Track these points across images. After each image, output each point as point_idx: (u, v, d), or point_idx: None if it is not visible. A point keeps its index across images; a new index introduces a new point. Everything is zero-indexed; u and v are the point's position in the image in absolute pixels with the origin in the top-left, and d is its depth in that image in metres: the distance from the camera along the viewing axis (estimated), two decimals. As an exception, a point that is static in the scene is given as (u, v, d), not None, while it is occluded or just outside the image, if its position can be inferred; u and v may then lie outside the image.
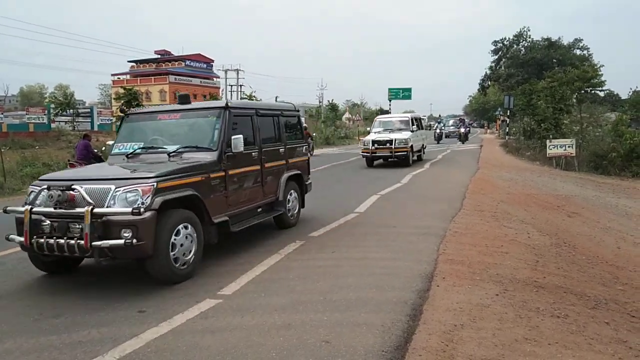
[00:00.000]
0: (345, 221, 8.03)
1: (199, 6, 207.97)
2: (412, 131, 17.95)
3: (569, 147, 20.38)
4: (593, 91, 28.02)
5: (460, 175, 14.65)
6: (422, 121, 21.78)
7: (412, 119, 18.80)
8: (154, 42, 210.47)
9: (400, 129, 18.16)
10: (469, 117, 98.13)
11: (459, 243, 6.55)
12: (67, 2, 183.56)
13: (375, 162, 18.25)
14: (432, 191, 11.59)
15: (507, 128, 41.14)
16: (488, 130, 62.44)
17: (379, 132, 18.30)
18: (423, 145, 20.39)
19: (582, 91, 25.59)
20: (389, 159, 17.72)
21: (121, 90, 22.85)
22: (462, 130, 35.81)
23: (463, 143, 33.73)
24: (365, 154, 17.94)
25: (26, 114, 43.02)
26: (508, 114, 41.04)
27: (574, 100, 25.96)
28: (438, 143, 35.57)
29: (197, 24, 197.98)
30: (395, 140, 17.18)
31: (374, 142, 17.57)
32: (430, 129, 41.98)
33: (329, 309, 4.24)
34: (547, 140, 21.45)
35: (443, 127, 40.53)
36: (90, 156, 14.72)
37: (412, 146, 17.52)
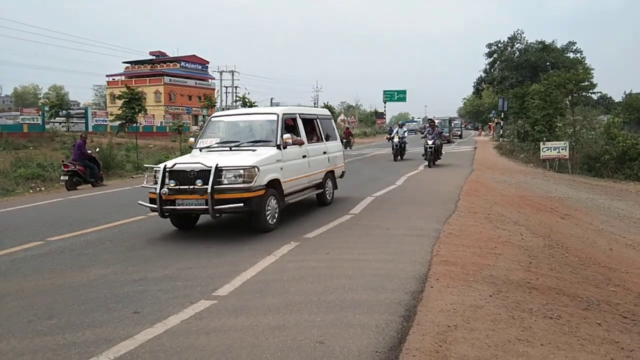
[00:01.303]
0: (339, 223, 8.05)
1: (194, 8, 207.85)
2: (282, 147, 8.01)
3: (562, 149, 20.53)
4: (586, 94, 28.22)
5: (454, 177, 14.71)
6: (329, 124, 10.66)
7: (283, 120, 8.45)
8: (149, 44, 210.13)
9: (253, 143, 8.22)
10: (464, 118, 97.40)
11: (453, 245, 6.58)
12: (60, 2, 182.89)
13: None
14: (426, 193, 11.62)
15: (501, 130, 41.35)
16: (482, 133, 62.67)
17: (207, 147, 8.43)
18: (332, 173, 10.14)
19: (575, 94, 25.77)
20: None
21: (121, 90, 22.52)
22: (430, 142, 18.61)
23: (431, 165, 18.53)
24: (152, 205, 7.32)
25: (20, 115, 42.87)
26: (502, 116, 41.23)
27: (567, 103, 26.14)
28: (397, 160, 21.69)
29: (192, 26, 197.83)
30: (221, 171, 6.97)
31: (169, 174, 7.18)
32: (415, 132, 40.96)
33: (323, 310, 4.26)
34: (541, 143, 21.61)
35: (404, 135, 22.89)
36: (84, 157, 14.73)
37: (275, 181, 7.67)
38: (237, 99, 46.69)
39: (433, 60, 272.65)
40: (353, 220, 8.35)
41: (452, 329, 3.93)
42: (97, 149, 17.63)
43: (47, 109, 44.17)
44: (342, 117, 72.20)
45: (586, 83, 26.14)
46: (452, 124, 50.32)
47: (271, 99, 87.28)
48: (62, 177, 14.75)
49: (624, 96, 39.32)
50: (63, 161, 15.52)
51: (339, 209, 9.18)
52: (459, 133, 51.25)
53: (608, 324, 4.43)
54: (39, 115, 42.55)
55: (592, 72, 28.17)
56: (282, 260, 5.89)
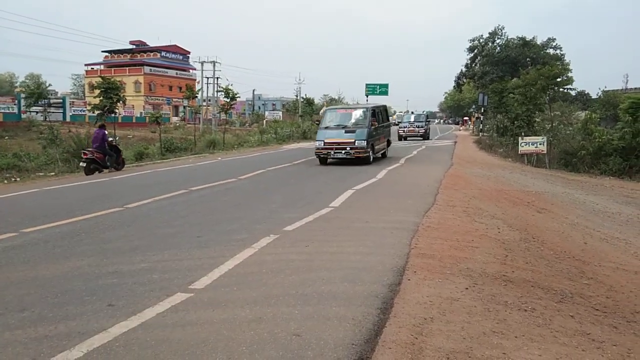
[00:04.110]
0: (319, 215, 8.04)
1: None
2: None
3: (540, 144, 20.79)
4: (562, 89, 28.51)
5: (434, 171, 14.81)
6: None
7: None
8: (129, 32, 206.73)
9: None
10: (445, 113, 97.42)
11: (431, 238, 6.63)
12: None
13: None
14: (406, 186, 11.68)
15: (481, 125, 41.72)
16: (462, 127, 63.14)
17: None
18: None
19: (550, 89, 26.01)
20: None
21: (96, 81, 22.18)
22: None
23: None
24: None
25: (-5, 104, 41.76)
26: (482, 111, 41.59)
27: (546, 99, 26.43)
28: None
29: (174, 15, 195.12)
30: None
31: None
32: None
33: (301, 303, 4.25)
34: (519, 138, 21.86)
35: None
36: (105, 145, 15.92)
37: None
38: (220, 89, 46.26)
39: (416, 54, 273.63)
40: (333, 213, 8.35)
41: (428, 321, 3.96)
42: (117, 137, 18.53)
43: (23, 96, 43.17)
44: (324, 109, 72.09)
45: (562, 78, 26.39)
46: (408, 120, 38.06)
47: (253, 91, 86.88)
48: (81, 164, 16.00)
49: (599, 92, 40.00)
50: (83, 149, 16.97)
51: (318, 202, 9.17)
52: (420, 132, 35.82)
53: (580, 316, 4.51)
54: (15, 104, 41.59)
55: (569, 67, 28.53)
56: (261, 253, 5.87)
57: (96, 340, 3.57)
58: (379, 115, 18.74)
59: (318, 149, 16.96)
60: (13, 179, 15.04)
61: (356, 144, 16.31)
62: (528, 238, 7.36)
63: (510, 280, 5.18)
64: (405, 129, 36.34)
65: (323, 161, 17.15)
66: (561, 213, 10.08)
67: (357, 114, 17.64)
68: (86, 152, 15.87)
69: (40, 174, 16.19)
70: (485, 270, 5.42)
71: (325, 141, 16.72)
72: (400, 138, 35.06)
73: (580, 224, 9.25)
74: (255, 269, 5.23)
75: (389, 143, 20.63)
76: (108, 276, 5.07)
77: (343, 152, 16.46)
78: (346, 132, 16.68)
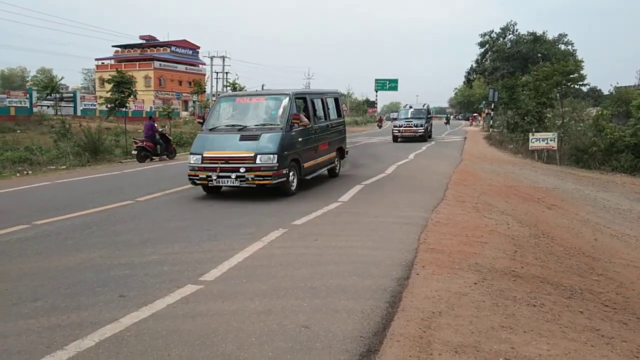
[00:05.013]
0: (328, 210, 8.06)
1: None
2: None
3: (550, 140, 20.65)
4: (574, 85, 28.21)
5: (443, 167, 14.77)
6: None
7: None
8: (140, 27, 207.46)
9: None
10: (455, 108, 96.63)
11: (440, 233, 6.62)
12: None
13: None
14: (415, 182, 11.67)
15: (491, 121, 41.48)
16: (473, 123, 62.77)
17: None
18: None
19: (563, 85, 25.76)
20: None
21: (110, 74, 22.18)
22: None
23: None
24: None
25: (7, 98, 42.09)
26: (492, 107, 41.34)
27: (557, 95, 26.21)
28: None
29: (184, 10, 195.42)
30: None
31: None
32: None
33: (310, 296, 4.28)
34: (530, 134, 21.71)
35: None
36: (155, 135, 17.35)
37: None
38: (228, 84, 46.36)
39: (426, 50, 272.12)
40: (342, 207, 8.36)
41: (436, 315, 3.97)
42: (166, 126, 19.75)
43: (35, 89, 43.51)
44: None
45: (575, 75, 26.16)
46: (404, 117, 28.99)
47: (262, 86, 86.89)
48: (133, 152, 17.70)
49: (611, 89, 39.58)
50: (134, 138, 18.71)
51: (327, 196, 9.19)
52: (419, 133, 27.61)
53: (590, 312, 4.49)
54: (27, 98, 41.91)
55: (582, 64, 28.22)
56: (270, 247, 5.90)
57: (108, 330, 3.63)
58: (315, 107, 11.24)
59: (192, 169, 9.47)
60: (25, 172, 15.17)
61: (258, 160, 8.93)
62: (538, 234, 7.34)
63: (519, 276, 5.17)
64: (401, 128, 28.18)
65: (207, 189, 9.86)
66: (571, 209, 10.03)
67: (268, 105, 10.25)
68: (137, 140, 17.50)
69: (52, 167, 16.32)
70: (494, 265, 5.42)
71: (205, 155, 9.30)
72: (396, 139, 27.96)
73: (590, 220, 9.20)
74: (264, 262, 5.27)
75: (342, 153, 12.73)
76: (119, 268, 5.13)
77: (233, 175, 8.94)
78: (243, 138, 9.32)
